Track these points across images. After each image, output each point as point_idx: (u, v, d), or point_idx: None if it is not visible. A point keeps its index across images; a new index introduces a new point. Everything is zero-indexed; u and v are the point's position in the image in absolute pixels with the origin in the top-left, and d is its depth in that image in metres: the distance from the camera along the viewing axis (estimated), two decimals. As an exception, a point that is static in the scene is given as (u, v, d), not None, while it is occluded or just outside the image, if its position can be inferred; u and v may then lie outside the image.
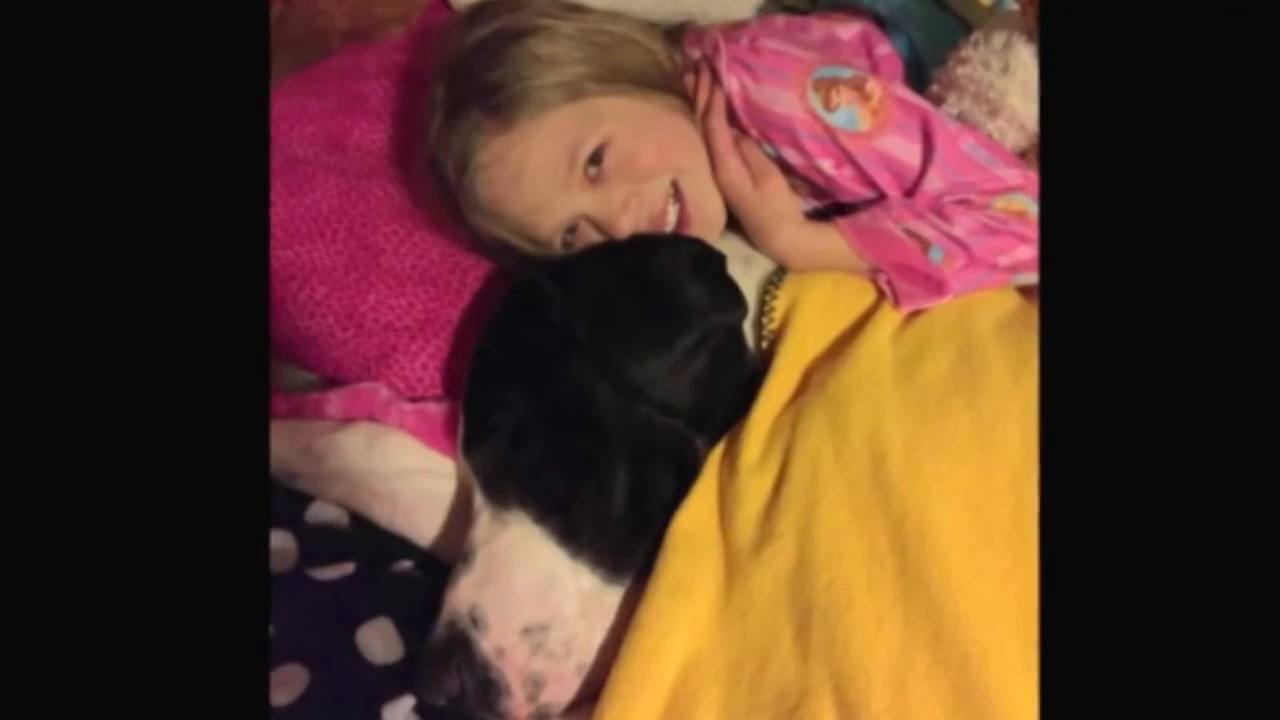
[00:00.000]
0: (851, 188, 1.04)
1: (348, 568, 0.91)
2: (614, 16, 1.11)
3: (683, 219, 1.05)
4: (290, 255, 1.09)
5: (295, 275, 1.09)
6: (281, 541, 0.92)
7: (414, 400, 1.05)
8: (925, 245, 0.97)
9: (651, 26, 1.15)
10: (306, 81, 1.30)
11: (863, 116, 1.00)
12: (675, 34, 1.16)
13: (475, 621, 0.83)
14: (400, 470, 0.99)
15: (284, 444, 1.01)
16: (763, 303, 0.99)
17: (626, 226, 1.02)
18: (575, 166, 1.01)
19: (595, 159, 1.02)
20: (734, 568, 0.83)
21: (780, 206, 1.04)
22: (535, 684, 0.83)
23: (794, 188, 1.07)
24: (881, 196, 1.03)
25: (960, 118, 1.06)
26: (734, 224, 1.08)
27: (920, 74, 1.16)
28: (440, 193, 1.09)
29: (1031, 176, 1.00)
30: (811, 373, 0.93)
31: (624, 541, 0.87)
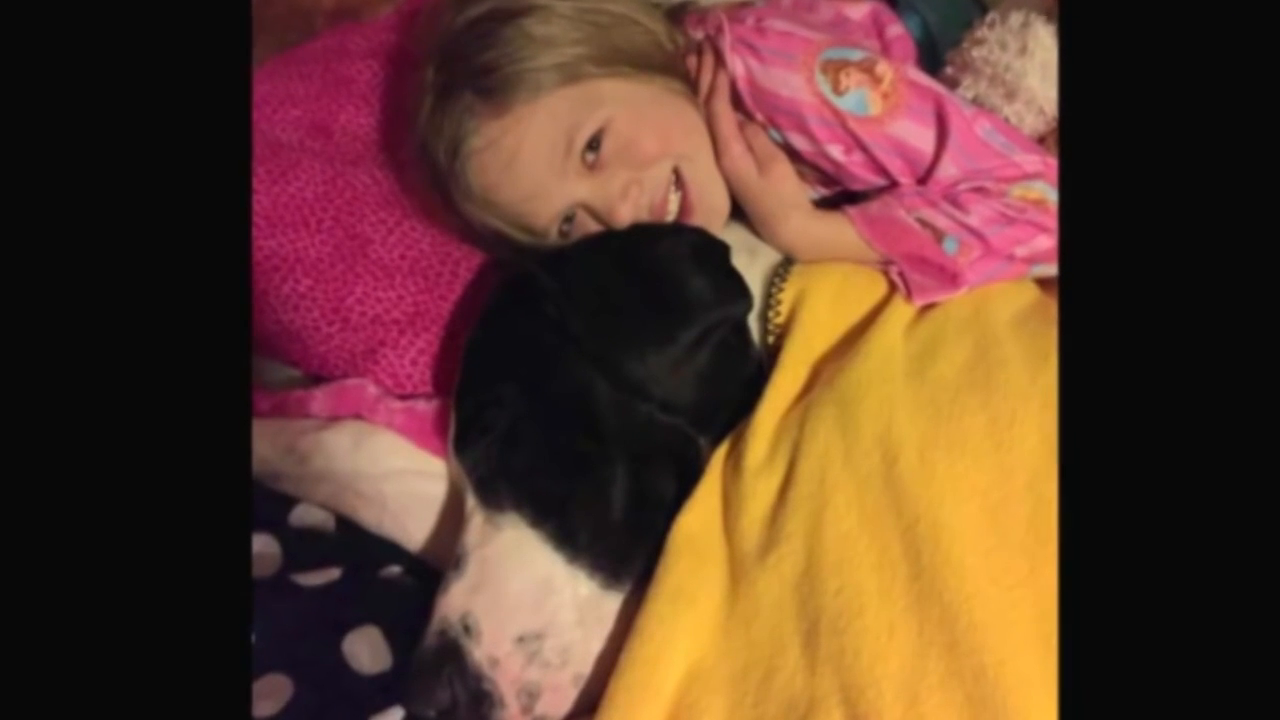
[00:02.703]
0: (862, 175, 1.04)
1: (333, 573, 0.91)
2: (614, -5, 1.11)
3: (685, 207, 1.05)
4: (273, 245, 1.09)
5: (278, 266, 1.09)
6: (264, 546, 0.92)
7: (403, 398, 1.05)
8: (939, 235, 0.97)
9: (652, 6, 1.14)
10: (290, 63, 1.30)
11: (873, 100, 1.00)
12: (677, 14, 1.16)
13: (467, 630, 0.83)
14: (388, 471, 0.99)
15: (266, 444, 1.01)
16: (769, 295, 0.99)
17: (626, 215, 1.02)
18: (572, 152, 1.01)
19: (593, 144, 1.02)
20: (739, 573, 0.83)
21: (787, 194, 1.04)
22: (530, 695, 0.83)
23: (801, 175, 1.07)
24: (893, 184, 1.03)
25: (976, 101, 1.06)
26: (738, 213, 1.08)
27: (934, 55, 1.16)
28: (431, 180, 1.09)
29: (1051, 163, 1.00)
30: (820, 369, 0.93)
31: (623, 545, 0.87)
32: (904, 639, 0.76)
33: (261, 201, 1.11)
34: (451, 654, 0.83)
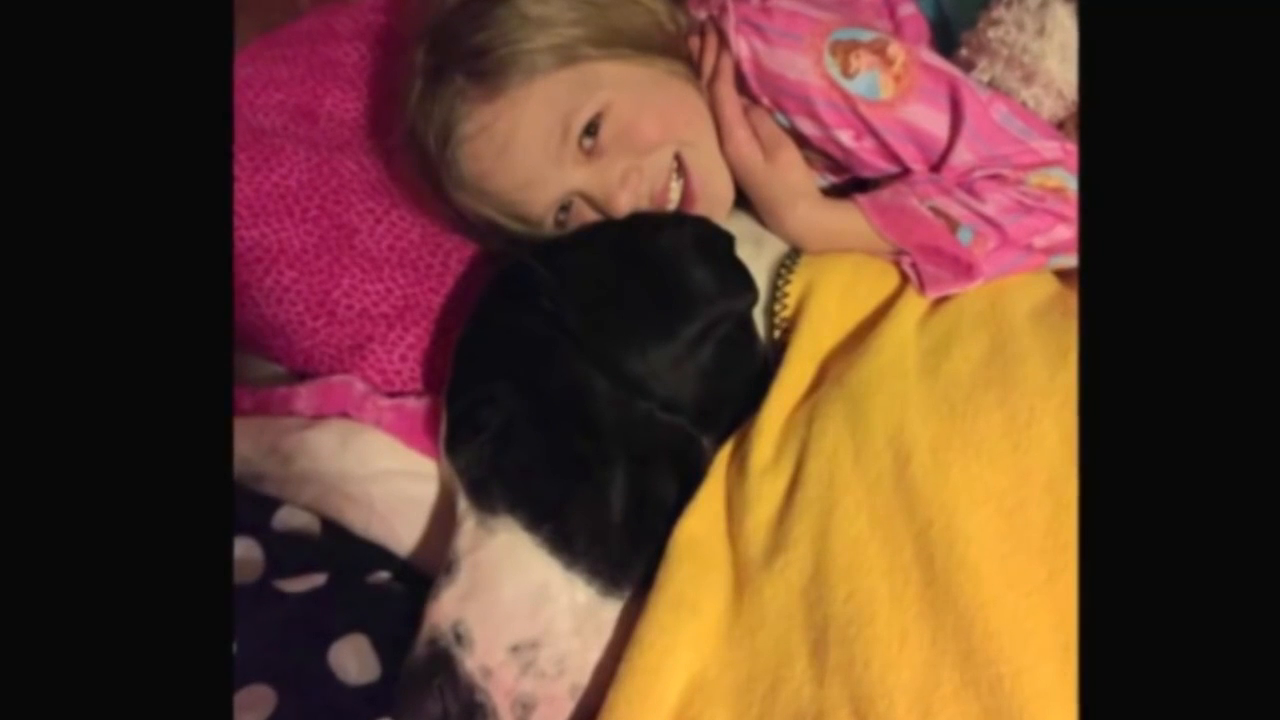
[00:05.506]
0: (872, 161, 1.04)
1: (319, 579, 0.91)
2: (611, -27, 1.11)
3: (687, 195, 1.05)
4: (256, 236, 1.09)
5: (261, 258, 1.09)
6: (246, 550, 0.92)
7: (391, 395, 1.05)
8: (953, 225, 0.97)
9: (653, -15, 1.14)
10: (273, 45, 1.30)
11: (884, 83, 1.00)
12: (679, -7, 1.16)
13: (459, 638, 0.83)
14: (376, 472, 0.99)
15: (249, 443, 1.01)
16: (775, 288, 0.99)
17: (625, 204, 1.02)
18: (569, 138, 1.01)
19: (591, 130, 1.02)
20: (743, 579, 0.83)
21: (794, 182, 1.04)
22: (525, 707, 0.83)
23: (809, 161, 1.07)
24: (905, 171, 1.03)
25: (992, 85, 1.06)
26: (743, 201, 1.08)
27: (948, 36, 1.16)
28: (420, 167, 1.09)
29: (1070, 149, 1.00)
30: (828, 365, 0.93)
31: (622, 551, 0.87)
32: (916, 648, 0.76)
33: (243, 190, 1.11)
34: (442, 664, 0.82)
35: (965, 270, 0.96)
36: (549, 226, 1.06)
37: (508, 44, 1.02)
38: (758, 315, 0.99)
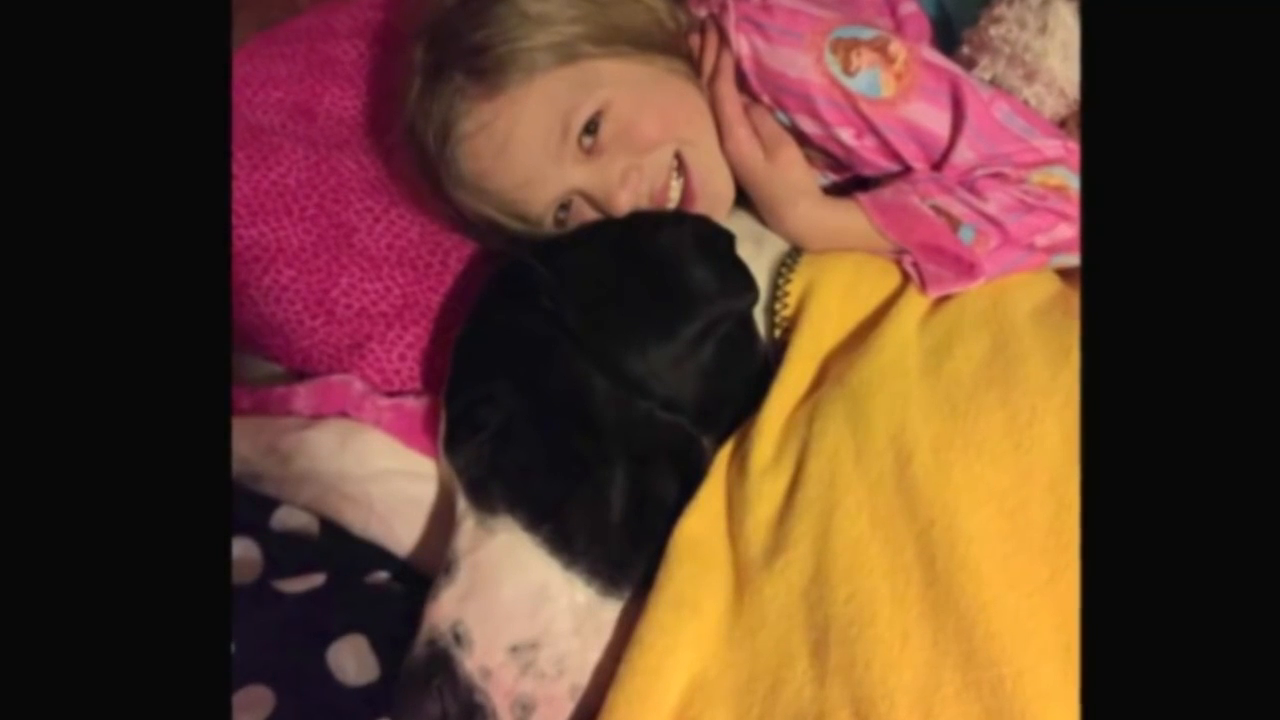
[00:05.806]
0: (873, 160, 1.04)
1: (317, 579, 0.91)
2: (611, -30, 1.11)
3: (687, 194, 1.05)
4: (254, 234, 1.09)
5: (260, 256, 1.09)
6: (244, 550, 0.92)
7: (390, 394, 1.05)
8: (955, 223, 0.97)
9: (653, -18, 1.14)
10: (272, 42, 1.30)
11: (886, 81, 1.00)
12: (679, -10, 1.16)
13: (458, 639, 0.83)
14: (375, 472, 0.99)
15: (247, 443, 1.01)
16: (776, 286, 0.99)
17: (625, 202, 1.02)
18: (569, 136, 1.01)
19: (591, 128, 1.02)
20: (744, 580, 0.83)
21: (795, 180, 1.04)
22: (524, 707, 0.83)
23: (810, 160, 1.06)
24: (906, 170, 1.03)
25: (994, 82, 1.06)
26: (744, 200, 1.08)
27: (949, 34, 1.16)
28: (420, 165, 1.09)
29: (1072, 147, 1.00)
30: (829, 364, 0.93)
31: (622, 551, 0.87)
32: (918, 649, 0.76)
33: (241, 188, 1.11)
34: (441, 664, 0.82)
35: (967, 269, 0.96)
36: (549, 225, 1.06)
37: (507, 42, 1.01)
38: (758, 314, 0.99)
